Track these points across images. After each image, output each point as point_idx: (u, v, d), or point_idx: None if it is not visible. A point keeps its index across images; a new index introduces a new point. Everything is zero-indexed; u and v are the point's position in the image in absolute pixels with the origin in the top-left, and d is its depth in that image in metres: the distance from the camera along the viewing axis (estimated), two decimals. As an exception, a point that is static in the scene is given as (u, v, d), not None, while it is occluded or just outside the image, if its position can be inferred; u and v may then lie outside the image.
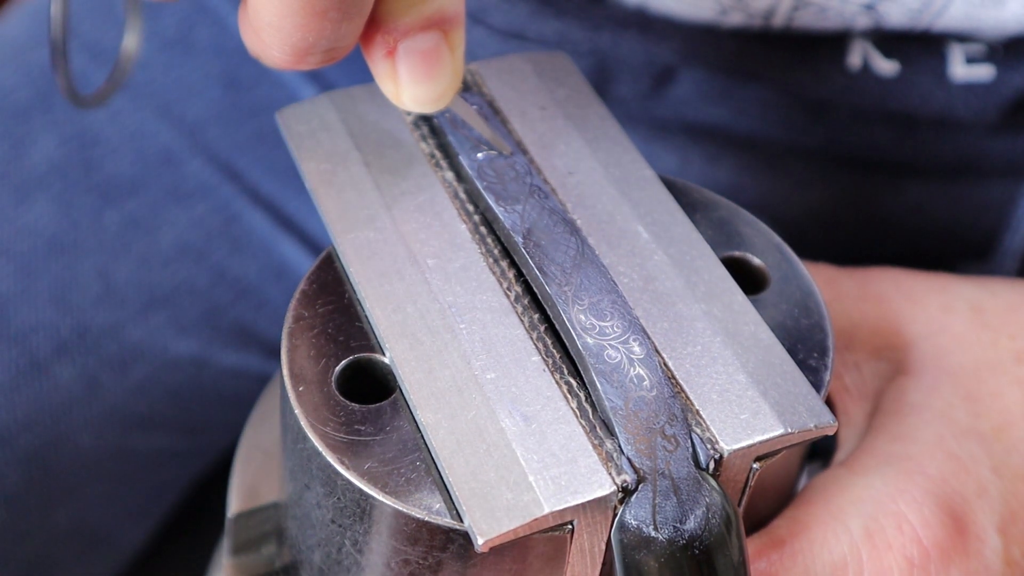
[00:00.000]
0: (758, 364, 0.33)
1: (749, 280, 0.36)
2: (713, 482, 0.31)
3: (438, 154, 0.37)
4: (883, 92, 0.47)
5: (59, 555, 0.53)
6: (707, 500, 0.31)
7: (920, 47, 0.46)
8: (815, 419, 0.32)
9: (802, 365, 0.34)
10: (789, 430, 0.32)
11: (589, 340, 0.32)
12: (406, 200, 0.36)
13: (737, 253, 0.36)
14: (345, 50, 0.32)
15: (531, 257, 0.34)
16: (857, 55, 0.46)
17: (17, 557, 0.51)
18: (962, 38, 0.46)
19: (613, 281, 0.33)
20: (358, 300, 0.35)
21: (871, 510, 0.34)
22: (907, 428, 0.36)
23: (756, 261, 0.36)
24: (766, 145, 0.49)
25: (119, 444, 0.53)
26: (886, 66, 0.46)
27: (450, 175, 0.37)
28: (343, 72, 0.54)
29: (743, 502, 0.33)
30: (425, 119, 0.38)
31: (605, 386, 0.32)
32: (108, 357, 0.53)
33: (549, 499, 0.30)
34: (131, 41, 0.46)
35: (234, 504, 0.39)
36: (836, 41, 0.46)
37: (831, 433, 0.32)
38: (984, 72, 0.46)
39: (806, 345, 0.35)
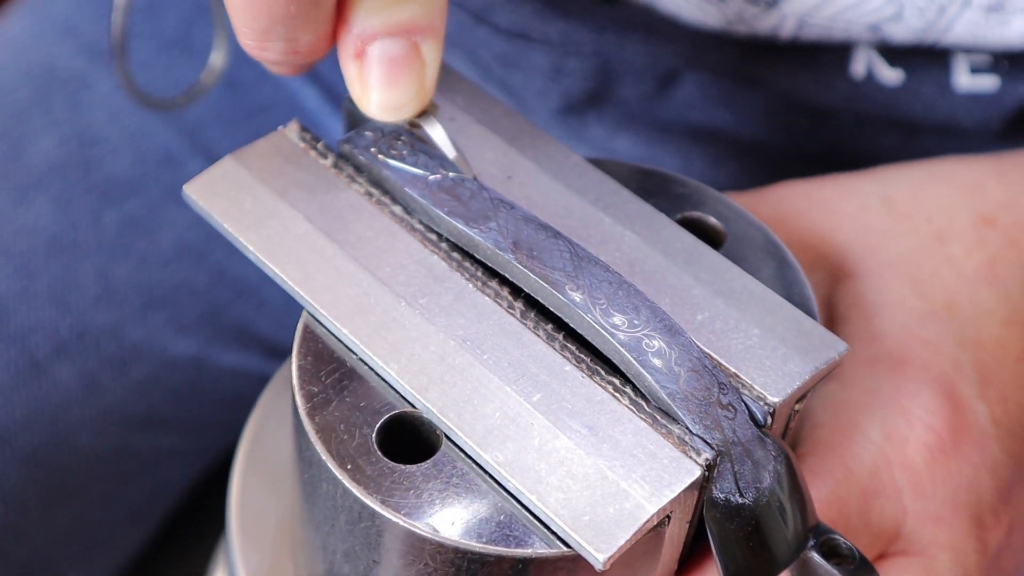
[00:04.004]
0: (763, 314, 0.34)
1: (708, 238, 0.37)
2: (769, 434, 0.32)
3: (375, 192, 0.36)
4: (887, 100, 0.47)
5: (59, 555, 0.52)
6: (772, 453, 0.32)
7: (925, 57, 0.47)
8: (834, 349, 0.34)
9: (792, 302, 0.35)
10: (819, 366, 0.33)
11: (622, 336, 0.32)
12: (365, 245, 0.35)
13: (688, 214, 0.37)
14: (308, 44, 0.33)
15: (530, 270, 0.33)
16: (861, 64, 0.46)
17: (17, 557, 0.50)
18: (967, 50, 0.46)
19: (617, 273, 0.33)
20: (361, 360, 0.33)
21: (881, 414, 0.36)
22: (875, 328, 0.38)
23: (711, 219, 0.37)
24: (768, 150, 0.50)
25: (119, 444, 0.53)
26: (890, 75, 0.46)
27: (398, 209, 0.35)
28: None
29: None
30: (346, 159, 0.36)
31: (655, 375, 0.32)
32: (108, 357, 0.52)
33: (649, 499, 0.30)
34: (217, 58, 0.46)
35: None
36: (841, 50, 0.47)
37: (846, 357, 0.34)
38: (988, 82, 0.47)
39: (785, 284, 0.36)
